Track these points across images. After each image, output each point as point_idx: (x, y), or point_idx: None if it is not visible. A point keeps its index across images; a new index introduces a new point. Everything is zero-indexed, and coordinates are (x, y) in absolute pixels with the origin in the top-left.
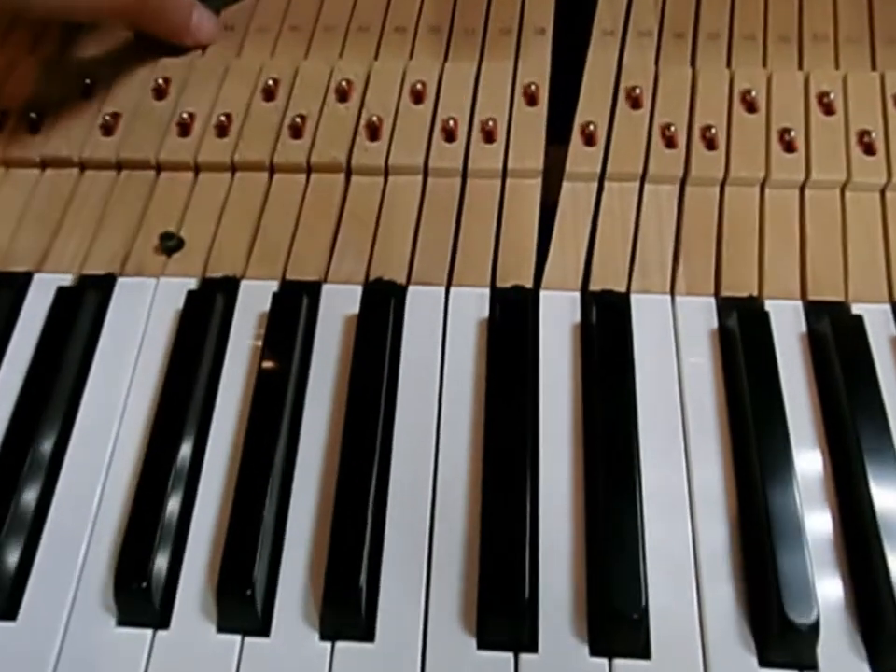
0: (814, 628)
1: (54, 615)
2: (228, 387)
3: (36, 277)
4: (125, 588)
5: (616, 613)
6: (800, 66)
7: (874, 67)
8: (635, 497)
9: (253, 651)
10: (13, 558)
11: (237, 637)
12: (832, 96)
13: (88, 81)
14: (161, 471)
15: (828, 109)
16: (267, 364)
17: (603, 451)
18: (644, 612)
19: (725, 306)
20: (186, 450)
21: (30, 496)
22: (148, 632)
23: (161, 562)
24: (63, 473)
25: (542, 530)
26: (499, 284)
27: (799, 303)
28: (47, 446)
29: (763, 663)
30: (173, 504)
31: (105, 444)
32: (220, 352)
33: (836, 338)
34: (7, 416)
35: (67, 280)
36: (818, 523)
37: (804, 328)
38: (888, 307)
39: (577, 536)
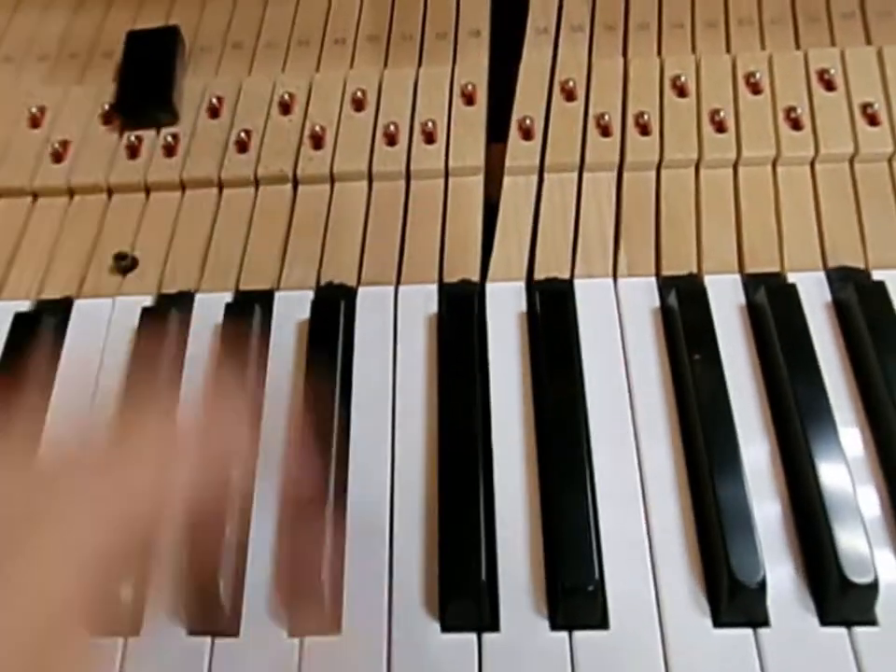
0: (761, 586)
1: None
2: (188, 396)
3: None
4: None
5: (571, 586)
6: (727, 50)
7: (798, 46)
8: (585, 478)
9: (223, 651)
10: None
11: (207, 640)
12: (758, 76)
13: (34, 110)
14: None
15: (755, 89)
16: (223, 372)
17: (554, 435)
18: (599, 584)
19: (666, 285)
20: None
21: None
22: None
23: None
24: None
25: (499, 515)
26: (447, 279)
27: (737, 276)
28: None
29: (717, 624)
30: None
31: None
32: (178, 365)
33: (772, 306)
34: None
35: (25, 306)
36: (763, 490)
37: (742, 300)
38: (821, 274)
39: (533, 518)
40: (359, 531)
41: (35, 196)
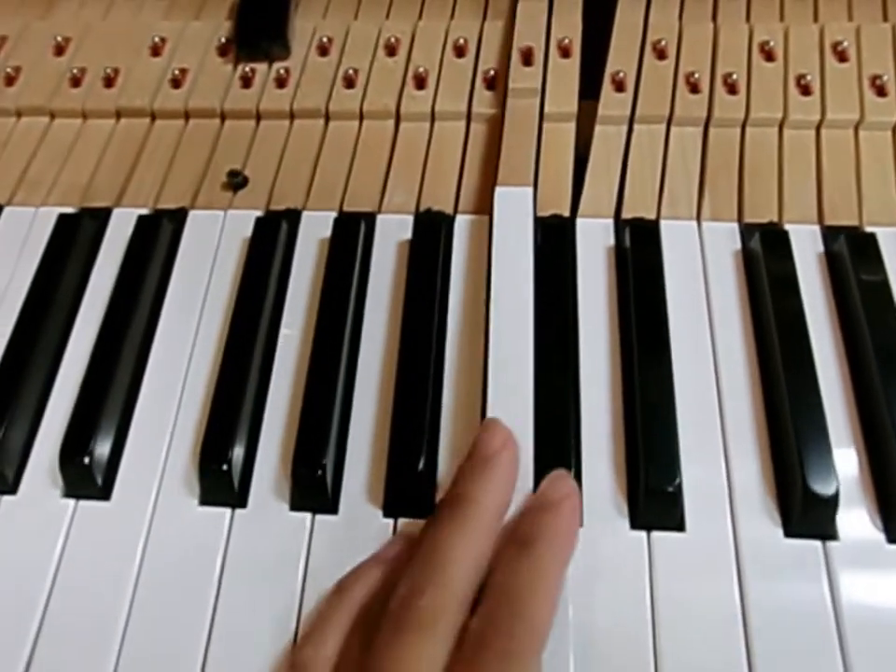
0: (833, 500)
1: (143, 497)
2: (294, 302)
3: (116, 211)
4: (208, 470)
5: (654, 487)
6: (815, 20)
7: (885, 19)
8: (669, 390)
9: (323, 528)
10: (106, 447)
11: (308, 515)
12: (845, 44)
13: (157, 40)
14: (237, 371)
15: (842, 57)
16: (330, 281)
17: (641, 359)
18: (679, 487)
19: (748, 230)
20: (258, 355)
21: (119, 394)
22: (227, 511)
23: (238, 449)
24: (147, 374)
25: (585, 430)
26: (539, 213)
27: (817, 227)
28: (131, 351)
29: (788, 534)
30: (248, 400)
31: (185, 349)
32: (286, 273)
33: (851, 255)
34: (97, 328)
35: (145, 212)
36: (834, 413)
37: (821, 248)
38: None
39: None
40: None
41: (154, 117)
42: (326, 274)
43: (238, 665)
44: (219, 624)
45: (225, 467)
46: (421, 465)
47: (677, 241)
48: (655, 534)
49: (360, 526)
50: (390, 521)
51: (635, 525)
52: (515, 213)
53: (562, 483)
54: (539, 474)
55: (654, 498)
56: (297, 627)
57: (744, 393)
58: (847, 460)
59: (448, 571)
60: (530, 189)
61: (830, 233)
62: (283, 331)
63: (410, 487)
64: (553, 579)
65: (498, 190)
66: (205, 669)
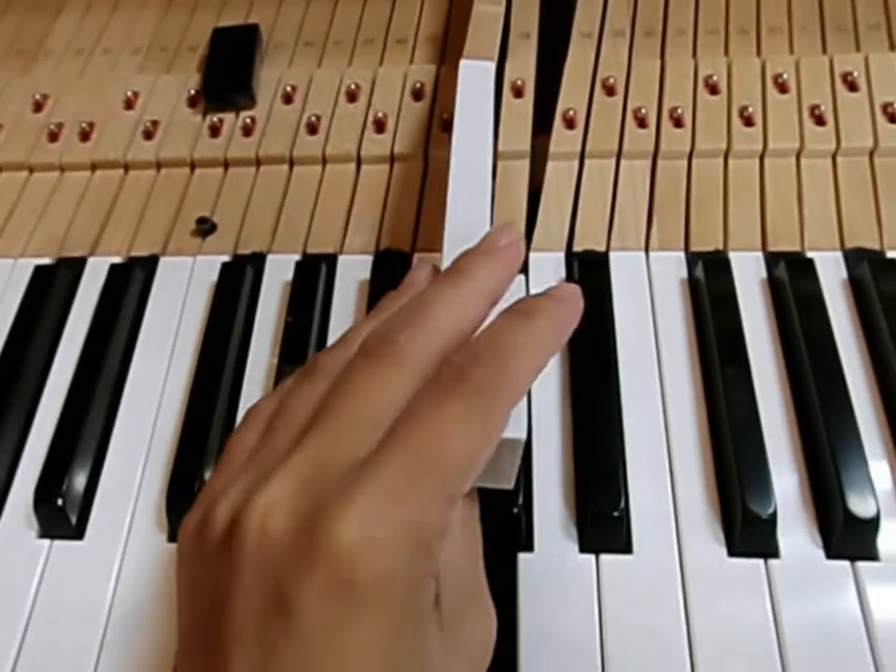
0: (772, 519)
1: (115, 535)
2: (258, 343)
3: (91, 260)
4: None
5: (599, 512)
6: (758, 53)
7: (824, 51)
8: (615, 420)
9: None
10: (80, 487)
11: None
12: (785, 77)
13: (129, 94)
14: (203, 409)
15: (782, 88)
16: (287, 324)
17: (587, 379)
18: (625, 511)
19: (693, 259)
20: (224, 393)
21: (92, 434)
22: None
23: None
24: (120, 414)
25: (536, 452)
26: None
27: (760, 254)
28: (105, 392)
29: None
30: (213, 437)
31: (156, 389)
32: (251, 315)
33: (791, 279)
34: (72, 372)
35: (118, 261)
36: (776, 436)
37: (764, 274)
38: (838, 254)
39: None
40: None
41: (127, 168)
42: (287, 316)
43: None
44: None
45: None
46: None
47: (625, 271)
48: (603, 557)
49: None
50: None
51: (584, 548)
52: None
53: (570, 288)
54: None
55: (600, 523)
56: None
57: (689, 414)
58: (787, 479)
59: (431, 318)
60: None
61: (772, 259)
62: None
63: None
64: (545, 348)
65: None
66: None
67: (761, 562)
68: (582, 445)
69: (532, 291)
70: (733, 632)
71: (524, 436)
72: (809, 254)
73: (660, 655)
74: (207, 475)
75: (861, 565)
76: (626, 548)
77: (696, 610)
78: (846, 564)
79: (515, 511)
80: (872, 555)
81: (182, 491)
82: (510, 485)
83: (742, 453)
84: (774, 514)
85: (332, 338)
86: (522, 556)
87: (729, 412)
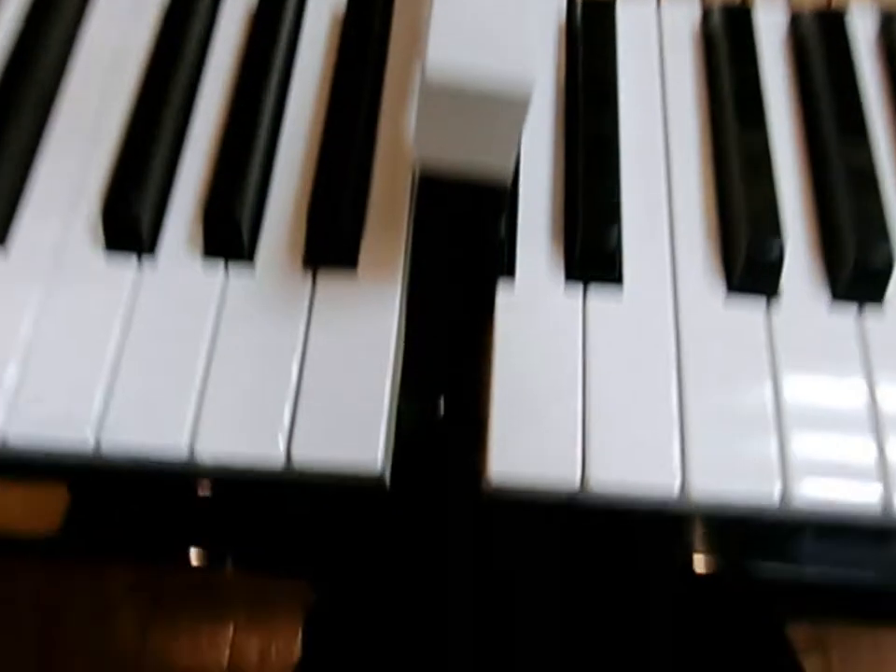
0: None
1: (44, 246)
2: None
3: None
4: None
5: (589, 238)
6: None
7: None
8: (614, 138)
9: (239, 277)
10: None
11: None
12: None
13: None
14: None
15: None
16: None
17: (585, 106)
18: (617, 236)
19: (709, 9)
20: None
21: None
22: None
23: (149, 194)
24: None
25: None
26: None
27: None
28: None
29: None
30: (163, 143)
31: None
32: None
33: (818, 36)
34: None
35: None
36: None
37: (787, 30)
38: (871, 10)
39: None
40: None
41: None
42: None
43: (136, 424)
44: (121, 384)
45: (130, 212)
46: (344, 213)
47: (633, 20)
48: (592, 288)
49: (277, 276)
50: (309, 272)
51: (571, 276)
52: None
53: None
54: None
55: (590, 245)
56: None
57: (692, 143)
58: (796, 224)
59: None
60: None
61: (797, 17)
62: None
63: (331, 235)
64: None
65: None
66: (101, 429)
67: (762, 301)
68: (575, 166)
69: None
70: (726, 374)
71: (530, 91)
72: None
73: (647, 397)
74: (150, 185)
75: (867, 308)
76: (617, 278)
77: (688, 350)
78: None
79: (498, 228)
80: (878, 299)
81: (119, 200)
82: (506, 174)
83: (749, 191)
84: (780, 255)
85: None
86: (501, 283)
87: (739, 154)
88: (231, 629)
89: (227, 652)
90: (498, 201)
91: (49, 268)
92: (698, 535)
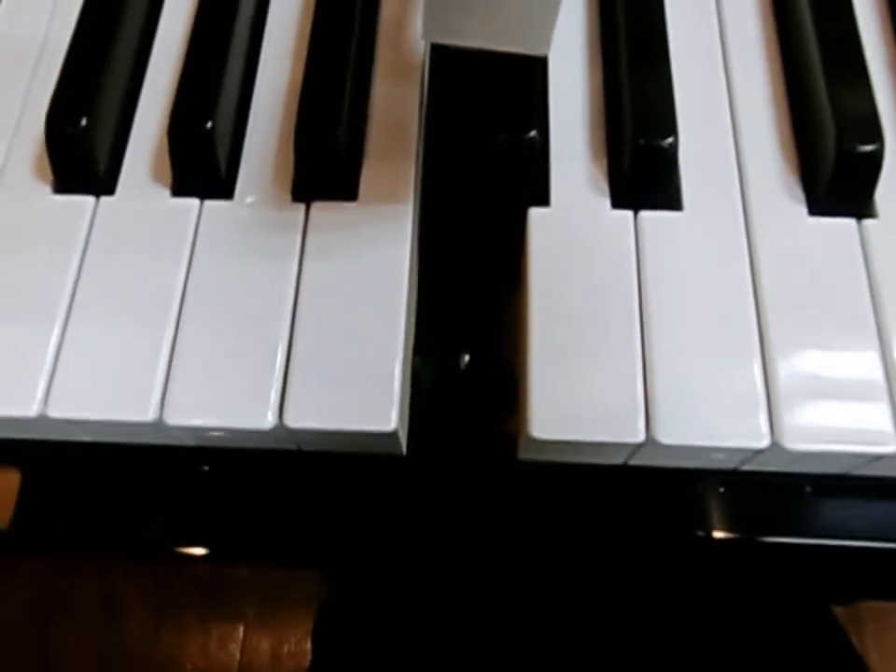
0: (877, 157)
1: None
2: None
3: None
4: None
5: (645, 142)
6: None
7: None
8: (662, 46)
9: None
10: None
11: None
12: None
13: None
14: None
15: None
16: None
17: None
18: (674, 144)
19: None
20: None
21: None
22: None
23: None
24: None
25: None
26: None
27: None
28: None
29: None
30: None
31: None
32: None
33: None
34: None
35: None
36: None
37: None
38: None
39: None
40: None
41: None
42: None
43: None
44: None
45: (71, 132)
46: (338, 131)
47: None
48: (644, 214)
49: (267, 210)
50: (301, 206)
51: (618, 203)
52: None
53: None
54: None
55: (644, 160)
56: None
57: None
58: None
59: None
60: None
61: None
62: None
63: (323, 160)
64: None
65: None
66: (54, 377)
67: (852, 222)
68: (618, 65)
69: None
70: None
71: None
72: None
73: (720, 328)
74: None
75: None
76: (675, 203)
77: (767, 273)
78: None
79: (532, 133)
80: None
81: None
82: (546, 48)
83: (833, 74)
84: (879, 151)
85: None
86: (534, 212)
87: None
88: (242, 629)
89: (238, 653)
90: (536, 77)
91: None
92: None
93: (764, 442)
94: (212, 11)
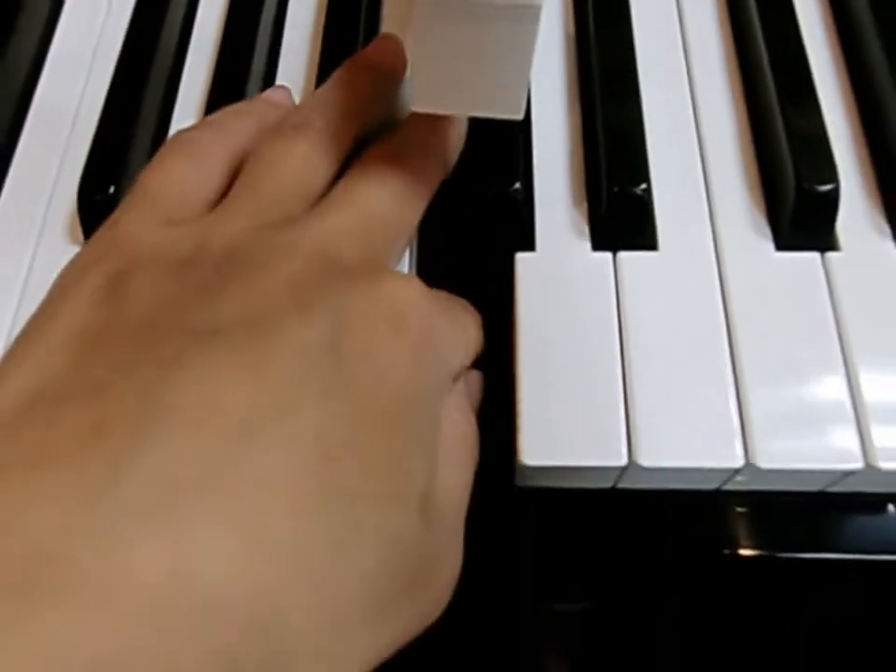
0: (834, 195)
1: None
2: None
3: None
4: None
5: (619, 189)
6: None
7: None
8: (633, 86)
9: None
10: None
11: None
12: None
13: None
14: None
15: None
16: None
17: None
18: (647, 191)
19: None
20: None
21: None
22: None
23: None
24: None
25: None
26: None
27: None
28: None
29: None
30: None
31: None
32: None
33: None
34: None
35: None
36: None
37: None
38: None
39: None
40: None
41: None
42: None
43: None
44: None
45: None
46: None
47: None
48: (623, 255)
49: None
50: None
51: (598, 245)
52: None
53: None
54: None
55: (619, 203)
56: None
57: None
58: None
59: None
60: None
61: None
62: None
63: None
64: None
65: None
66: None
67: (817, 255)
68: (594, 114)
69: None
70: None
71: (539, 10)
72: None
73: (696, 353)
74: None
75: None
76: (650, 243)
77: (738, 305)
78: None
79: (514, 189)
80: None
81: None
82: (518, 113)
83: (791, 117)
84: (835, 190)
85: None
86: (520, 256)
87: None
88: None
89: None
90: (516, 131)
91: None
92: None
93: (739, 462)
94: (227, 77)
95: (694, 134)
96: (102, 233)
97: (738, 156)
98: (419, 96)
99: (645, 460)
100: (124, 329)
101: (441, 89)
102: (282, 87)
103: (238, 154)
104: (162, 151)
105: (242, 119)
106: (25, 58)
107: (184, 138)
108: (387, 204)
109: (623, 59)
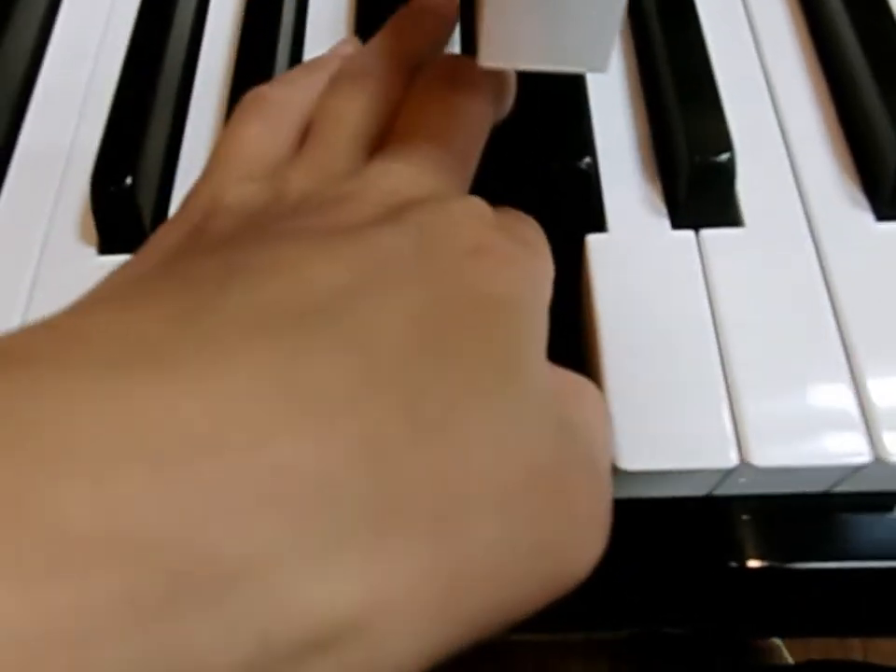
0: None
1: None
2: None
3: None
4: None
5: (700, 159)
6: None
7: None
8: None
9: None
10: None
11: None
12: None
13: None
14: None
15: None
16: None
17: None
18: (731, 160)
19: None
20: None
21: None
22: None
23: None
24: None
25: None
26: None
27: None
28: None
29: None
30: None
31: None
32: None
33: None
34: None
35: None
36: None
37: None
38: None
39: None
40: None
41: None
42: None
43: None
44: None
45: (115, 191)
46: None
47: None
48: (705, 232)
49: None
50: None
51: (678, 223)
52: None
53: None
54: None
55: (703, 172)
56: None
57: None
58: None
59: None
60: None
61: None
62: None
63: None
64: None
65: None
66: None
67: None
68: (658, 81)
69: None
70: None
71: None
72: None
73: (802, 339)
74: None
75: None
76: (735, 219)
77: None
78: None
79: (585, 163)
80: None
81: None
82: (605, 67)
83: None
84: None
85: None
86: (592, 238)
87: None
88: None
89: None
90: (581, 104)
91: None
92: None
93: (866, 459)
94: (252, 55)
95: (769, 101)
96: (184, 202)
97: (820, 123)
98: (488, 51)
99: (759, 460)
100: (207, 244)
101: (515, 40)
102: (349, 39)
103: (311, 108)
104: (237, 113)
105: (312, 74)
106: (26, 43)
107: (257, 96)
108: (443, 150)
109: (690, 26)
